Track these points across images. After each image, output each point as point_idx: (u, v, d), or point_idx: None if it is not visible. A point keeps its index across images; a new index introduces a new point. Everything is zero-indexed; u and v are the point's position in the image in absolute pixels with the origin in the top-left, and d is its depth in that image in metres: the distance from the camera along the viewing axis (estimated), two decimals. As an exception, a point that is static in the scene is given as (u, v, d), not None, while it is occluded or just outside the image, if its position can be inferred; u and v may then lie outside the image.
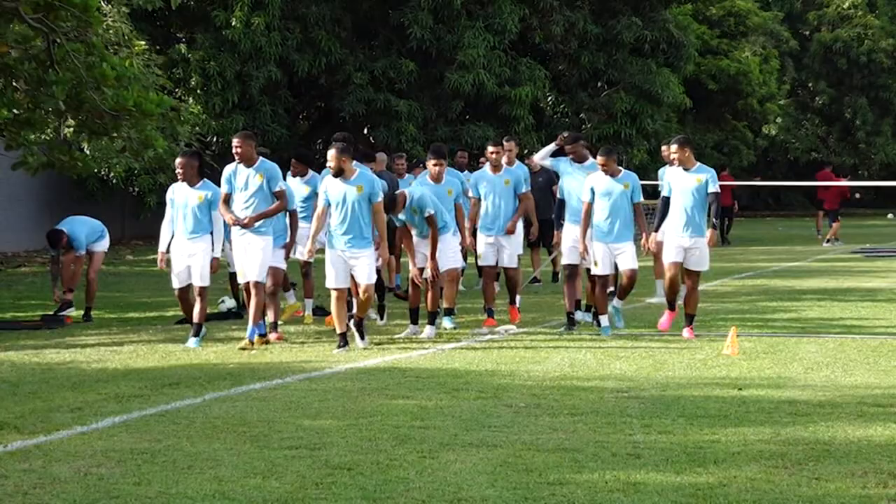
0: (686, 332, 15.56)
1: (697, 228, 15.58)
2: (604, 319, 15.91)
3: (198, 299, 15.43)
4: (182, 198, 15.50)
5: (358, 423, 10.13)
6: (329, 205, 14.75)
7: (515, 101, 36.58)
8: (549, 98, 41.25)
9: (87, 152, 21.26)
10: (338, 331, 14.76)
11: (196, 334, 15.30)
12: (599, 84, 41.58)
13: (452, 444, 9.29)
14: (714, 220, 15.97)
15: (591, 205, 15.82)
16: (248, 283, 15.22)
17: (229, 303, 18.54)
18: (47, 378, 12.85)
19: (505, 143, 17.76)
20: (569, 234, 16.30)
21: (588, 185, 15.92)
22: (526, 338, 15.46)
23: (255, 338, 15.00)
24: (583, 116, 41.11)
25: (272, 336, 15.45)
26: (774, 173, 64.56)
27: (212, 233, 15.47)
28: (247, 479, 8.26)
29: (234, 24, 33.87)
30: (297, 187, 16.88)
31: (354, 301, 15.20)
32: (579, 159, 16.62)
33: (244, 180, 15.07)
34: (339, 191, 14.51)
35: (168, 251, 15.60)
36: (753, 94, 53.62)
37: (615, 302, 16.36)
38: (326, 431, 9.85)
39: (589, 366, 13.44)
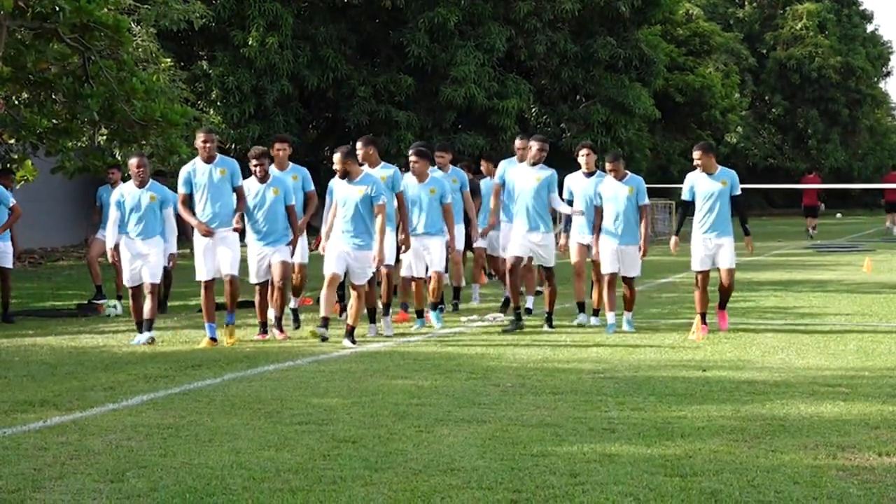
0: (723, 323, 14.88)
1: (723, 230, 14.68)
2: (611, 316, 14.95)
3: (148, 297, 14.33)
4: (133, 199, 14.47)
5: (361, 401, 10.11)
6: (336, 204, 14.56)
7: (503, 112, 36.57)
8: (534, 110, 41.23)
9: (119, 158, 21.19)
10: (322, 313, 14.04)
11: (149, 328, 14.24)
12: (578, 97, 41.58)
13: (446, 420, 9.27)
14: (745, 226, 14.98)
15: (600, 208, 15.11)
16: (229, 277, 14.09)
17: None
18: (82, 360, 12.84)
19: (519, 140, 16.91)
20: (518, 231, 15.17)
21: (594, 190, 15.31)
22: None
23: (225, 331, 14.06)
24: (563, 126, 41.07)
25: (279, 335, 14.50)
26: (735, 177, 64.42)
27: (163, 232, 14.60)
28: (261, 451, 8.24)
29: (250, 43, 33.83)
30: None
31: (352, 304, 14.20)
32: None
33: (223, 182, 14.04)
34: (344, 192, 14.37)
35: (116, 249, 14.54)
36: (716, 106, 53.58)
37: (626, 316, 15.05)
38: (333, 408, 9.84)
39: (569, 350, 13.43)
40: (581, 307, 15.68)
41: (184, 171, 14.22)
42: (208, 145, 14.06)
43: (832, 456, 7.99)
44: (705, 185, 14.74)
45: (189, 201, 14.10)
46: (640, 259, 15.23)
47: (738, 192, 14.82)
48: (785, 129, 70.88)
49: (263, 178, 14.53)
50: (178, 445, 8.43)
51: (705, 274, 14.79)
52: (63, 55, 19.96)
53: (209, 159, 14.10)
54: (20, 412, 9.79)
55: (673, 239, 15.36)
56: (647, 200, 15.26)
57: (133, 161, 14.55)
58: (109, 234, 14.55)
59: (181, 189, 14.11)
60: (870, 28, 75.25)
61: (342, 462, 7.87)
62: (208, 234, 13.89)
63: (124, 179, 16.70)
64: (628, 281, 15.13)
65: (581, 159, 15.65)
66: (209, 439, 8.64)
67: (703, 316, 14.59)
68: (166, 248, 14.69)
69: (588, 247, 15.57)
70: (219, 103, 34.85)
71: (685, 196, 15.05)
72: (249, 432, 8.88)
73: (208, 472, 7.62)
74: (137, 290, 14.58)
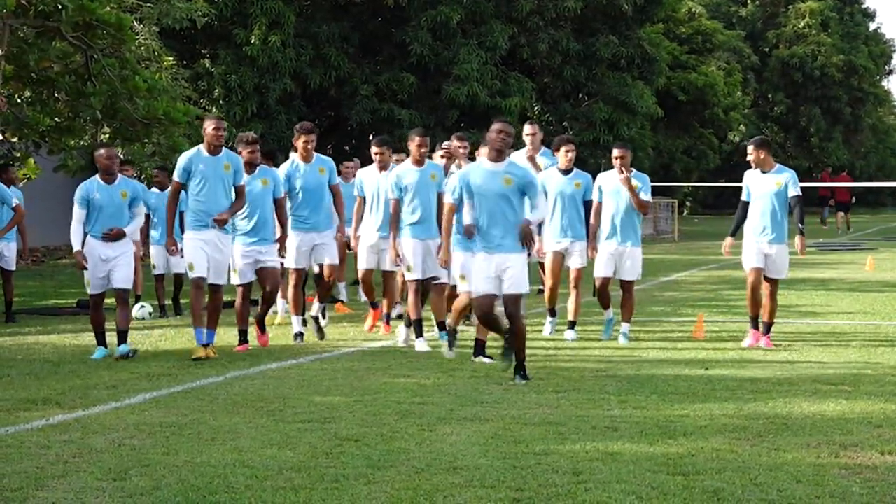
0: (763, 342, 13.42)
1: (778, 234, 13.50)
2: (609, 313, 14.29)
3: (121, 305, 13.03)
4: (104, 196, 13.01)
5: (364, 400, 10.12)
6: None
7: (505, 110, 36.48)
8: (536, 108, 41.20)
9: (121, 156, 21.22)
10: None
11: (125, 340, 12.91)
12: (581, 95, 41.54)
13: (449, 419, 9.27)
14: (799, 225, 13.68)
15: (600, 204, 14.06)
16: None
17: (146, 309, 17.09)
18: (85, 359, 12.84)
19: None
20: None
21: (596, 184, 14.15)
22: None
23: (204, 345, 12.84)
24: (566, 124, 41.04)
25: (315, 334, 13.93)
26: (738, 175, 64.22)
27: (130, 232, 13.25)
28: (264, 449, 8.24)
29: (252, 41, 33.78)
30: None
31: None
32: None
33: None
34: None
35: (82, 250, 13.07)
36: (719, 105, 53.55)
37: (623, 328, 13.98)
38: (335, 407, 9.84)
39: (571, 348, 13.42)
40: (572, 325, 14.38)
41: (184, 159, 12.97)
42: (220, 133, 12.86)
43: (835, 454, 7.99)
44: (759, 184, 13.60)
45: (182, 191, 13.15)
46: (640, 260, 14.24)
47: (797, 193, 13.53)
48: (787, 127, 70.87)
49: (252, 168, 13.63)
50: (181, 444, 8.43)
51: (757, 272, 13.49)
52: (66, 53, 19.97)
53: (216, 150, 12.93)
54: (23, 410, 9.79)
55: (727, 240, 13.90)
56: (648, 196, 14.13)
57: (101, 152, 13.21)
58: (76, 235, 13.23)
59: (178, 177, 12.92)
60: (872, 26, 75.25)
61: (345, 460, 7.87)
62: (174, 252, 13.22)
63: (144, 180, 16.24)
64: (627, 286, 14.20)
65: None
66: (212, 437, 8.64)
67: (755, 320, 13.56)
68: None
69: (563, 253, 14.36)
70: (221, 101, 34.81)
71: (743, 196, 13.76)
72: (252, 430, 8.88)
73: (211, 470, 7.61)
74: (102, 297, 13.33)
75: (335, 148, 34.03)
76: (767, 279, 13.53)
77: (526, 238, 11.04)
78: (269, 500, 6.90)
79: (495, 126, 11.19)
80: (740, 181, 14.06)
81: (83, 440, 8.58)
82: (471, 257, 11.61)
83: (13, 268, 16.99)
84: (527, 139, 15.30)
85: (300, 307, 14.32)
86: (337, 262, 14.32)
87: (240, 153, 13.54)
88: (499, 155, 11.14)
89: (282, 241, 13.80)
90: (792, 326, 14.98)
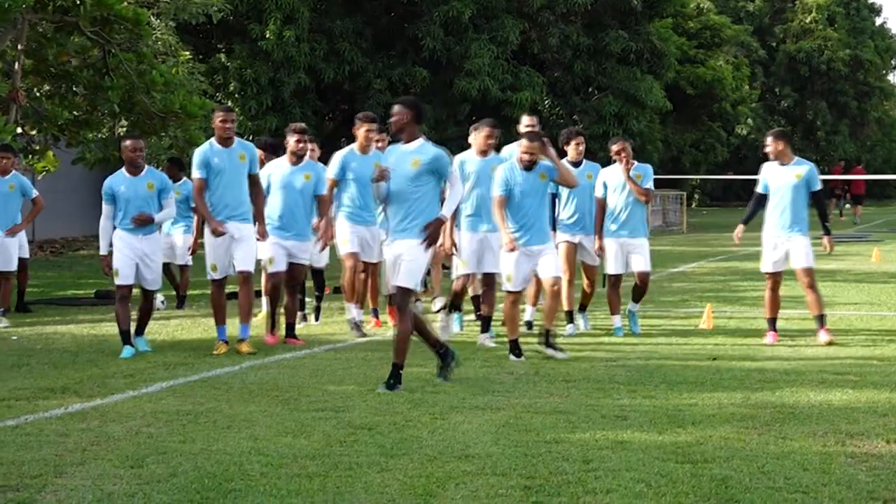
0: (823, 336, 12.90)
1: (800, 226, 13.04)
2: (616, 319, 13.77)
3: (144, 299, 12.69)
4: (130, 189, 12.36)
5: (377, 388, 10.11)
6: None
7: (516, 104, 36.45)
8: (547, 102, 41.12)
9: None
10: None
11: (141, 333, 12.69)
12: (590, 89, 41.47)
13: (461, 407, 9.27)
14: (826, 224, 13.33)
15: (604, 199, 13.66)
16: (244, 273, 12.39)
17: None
18: (103, 348, 12.86)
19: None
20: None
21: (601, 179, 13.75)
22: (524, 315, 15.37)
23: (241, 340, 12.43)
24: (576, 118, 40.95)
25: (355, 334, 13.39)
26: (745, 168, 64.46)
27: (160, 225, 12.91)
28: (279, 437, 8.25)
29: (267, 36, 33.78)
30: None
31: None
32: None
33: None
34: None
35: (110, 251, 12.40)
36: (727, 98, 53.44)
37: (630, 306, 13.91)
38: (349, 396, 9.84)
39: (581, 339, 13.41)
40: (570, 316, 13.99)
41: (199, 155, 12.45)
42: (228, 124, 12.40)
43: (841, 443, 7.97)
44: (777, 177, 13.10)
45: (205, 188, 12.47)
46: (648, 252, 13.84)
47: (819, 187, 13.15)
48: (794, 120, 70.69)
49: (298, 160, 13.43)
50: (197, 432, 8.44)
51: (775, 276, 13.20)
52: (84, 48, 20.01)
53: (227, 141, 12.45)
54: (42, 399, 9.81)
55: (739, 227, 13.58)
56: (650, 185, 13.79)
57: (128, 143, 12.59)
58: (104, 234, 12.48)
59: (199, 173, 12.36)
60: (878, 21, 75.02)
61: (358, 448, 7.87)
62: (221, 233, 12.29)
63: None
64: (643, 276, 13.80)
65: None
66: (227, 426, 8.65)
67: (773, 321, 13.17)
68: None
69: (576, 245, 13.96)
70: (237, 95, 34.83)
71: (759, 188, 13.27)
72: (267, 419, 8.89)
73: (227, 458, 7.62)
74: (129, 291, 12.62)
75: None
76: (799, 272, 13.10)
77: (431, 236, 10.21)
78: (283, 487, 6.90)
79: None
80: (748, 174, 13.96)
81: (101, 428, 8.59)
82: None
83: (27, 255, 16.90)
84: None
85: (358, 295, 13.71)
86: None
87: (286, 143, 13.42)
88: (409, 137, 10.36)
89: (325, 235, 13.44)
90: (798, 317, 14.95)
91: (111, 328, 14.31)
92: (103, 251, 12.43)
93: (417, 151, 10.31)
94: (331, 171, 13.75)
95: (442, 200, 10.46)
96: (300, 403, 9.48)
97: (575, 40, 39.02)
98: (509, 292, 12.03)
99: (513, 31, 36.59)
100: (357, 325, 13.68)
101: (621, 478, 7.06)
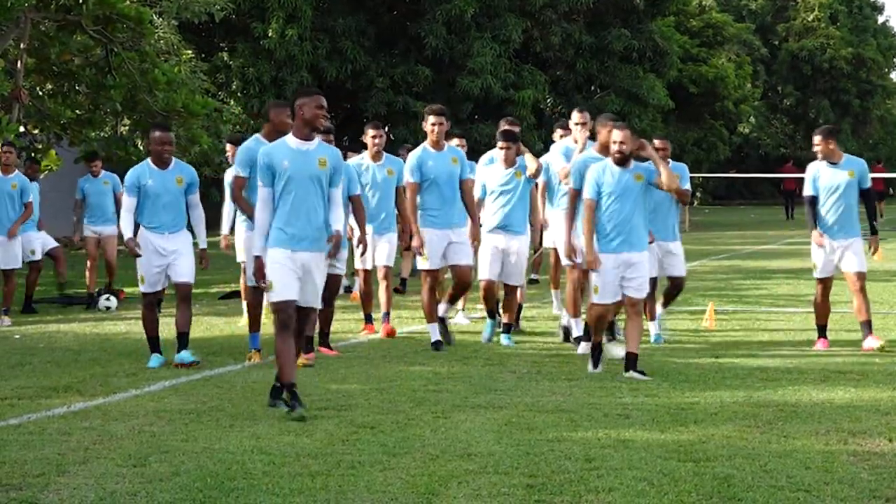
0: (872, 341, 12.31)
1: (849, 227, 12.39)
2: (653, 326, 12.94)
3: (182, 305, 11.63)
4: (158, 183, 11.45)
5: (379, 387, 10.12)
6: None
7: (519, 102, 36.47)
8: (549, 100, 41.14)
9: (141, 148, 21.26)
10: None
11: (185, 346, 11.60)
12: (593, 88, 41.48)
13: (463, 406, 9.27)
14: (874, 223, 12.71)
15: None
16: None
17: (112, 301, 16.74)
18: (105, 347, 12.88)
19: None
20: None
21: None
22: (526, 313, 15.38)
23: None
24: (577, 117, 40.98)
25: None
26: (748, 166, 64.46)
27: (189, 225, 11.80)
28: (281, 436, 8.25)
29: (270, 35, 33.80)
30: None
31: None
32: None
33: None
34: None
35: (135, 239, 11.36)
36: (729, 97, 53.40)
37: (658, 310, 13.12)
38: (352, 394, 9.84)
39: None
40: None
41: (247, 151, 11.09)
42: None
43: (843, 441, 7.97)
44: (828, 177, 12.44)
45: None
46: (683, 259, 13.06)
47: (869, 185, 12.54)
48: (797, 119, 70.64)
49: (378, 156, 13.04)
50: (200, 430, 8.44)
51: (827, 282, 12.62)
52: (86, 47, 20.03)
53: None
54: (45, 398, 9.82)
55: (814, 233, 12.48)
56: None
57: (157, 135, 11.63)
58: (126, 223, 11.45)
59: (243, 172, 11.19)
60: (880, 19, 74.98)
61: (361, 447, 7.87)
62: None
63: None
64: (676, 281, 13.04)
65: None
66: (230, 424, 8.65)
67: (823, 328, 12.64)
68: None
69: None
70: (239, 94, 34.87)
71: (809, 190, 12.56)
72: (269, 418, 8.89)
73: (229, 456, 7.62)
74: (155, 297, 12.02)
75: (351, 140, 33.99)
76: (851, 276, 12.45)
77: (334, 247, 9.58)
78: (286, 486, 6.90)
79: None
80: (750, 172, 13.65)
81: (104, 427, 8.59)
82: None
83: (39, 257, 16.94)
84: (575, 129, 13.26)
85: (436, 314, 12.69)
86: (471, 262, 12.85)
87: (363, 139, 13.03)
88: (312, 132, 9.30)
89: (361, 241, 12.23)
90: (801, 315, 14.95)
91: (113, 327, 14.36)
92: (128, 235, 11.38)
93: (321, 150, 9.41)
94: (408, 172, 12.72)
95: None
96: (303, 402, 9.47)
97: (577, 39, 39.01)
98: (594, 304, 11.03)
99: (515, 29, 36.59)
100: (438, 344, 12.54)
101: (623, 476, 7.06)
